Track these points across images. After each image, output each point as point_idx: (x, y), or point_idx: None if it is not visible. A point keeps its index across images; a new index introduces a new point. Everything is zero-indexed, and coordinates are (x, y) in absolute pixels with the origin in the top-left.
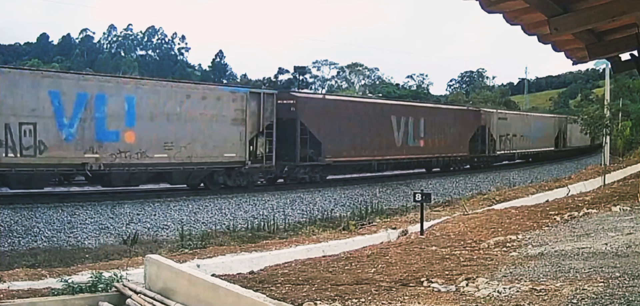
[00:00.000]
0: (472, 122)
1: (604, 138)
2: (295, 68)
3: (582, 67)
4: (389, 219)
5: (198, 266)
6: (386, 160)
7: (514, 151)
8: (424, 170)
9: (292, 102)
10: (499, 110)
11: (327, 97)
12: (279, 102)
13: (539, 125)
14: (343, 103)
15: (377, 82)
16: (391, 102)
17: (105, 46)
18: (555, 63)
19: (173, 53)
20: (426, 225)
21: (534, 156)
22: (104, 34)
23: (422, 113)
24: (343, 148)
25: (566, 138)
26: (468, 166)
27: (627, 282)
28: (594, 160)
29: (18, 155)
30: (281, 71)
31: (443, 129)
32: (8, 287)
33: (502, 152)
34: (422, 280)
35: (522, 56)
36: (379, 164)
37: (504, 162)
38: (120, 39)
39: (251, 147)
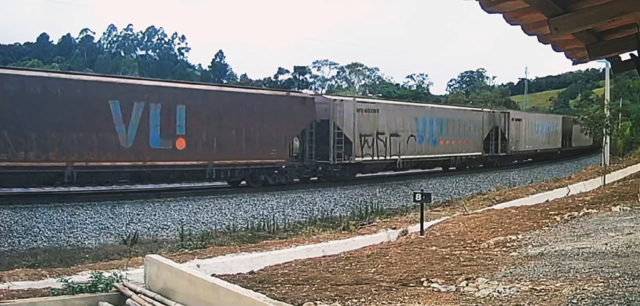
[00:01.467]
0: (299, 115)
1: (604, 138)
2: (295, 68)
3: (582, 67)
4: (389, 219)
5: (198, 266)
6: (99, 168)
7: (395, 157)
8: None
9: None
10: (357, 99)
11: None
12: None
13: (445, 121)
14: None
15: (377, 82)
16: (110, 80)
17: (105, 46)
18: (555, 63)
19: (173, 53)
20: (426, 225)
21: (446, 163)
22: (104, 34)
23: (181, 98)
24: None
25: (508, 140)
26: (297, 179)
27: (627, 282)
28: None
29: None
30: (281, 71)
31: (232, 124)
32: (8, 287)
33: (367, 158)
34: (422, 280)
35: (522, 56)
36: (80, 174)
37: (381, 174)
38: (120, 39)
39: None
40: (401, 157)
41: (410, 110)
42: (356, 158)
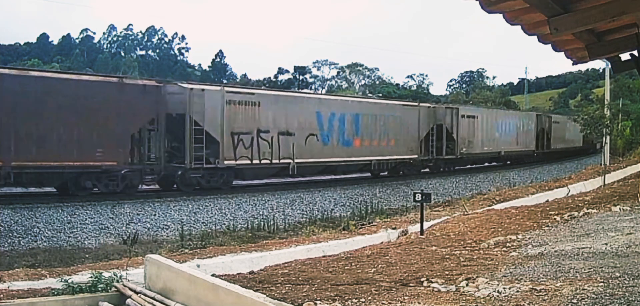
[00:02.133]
0: (137, 108)
1: (604, 138)
2: (295, 68)
3: (582, 67)
4: (389, 219)
5: (198, 266)
6: None
7: (287, 161)
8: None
9: None
10: (228, 87)
11: None
12: None
13: (363, 117)
14: None
15: (377, 82)
16: None
17: (105, 46)
18: (555, 63)
19: (173, 53)
20: (426, 225)
21: (368, 168)
22: (104, 34)
23: None
24: None
25: (457, 141)
26: (151, 186)
27: (627, 282)
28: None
29: None
30: (281, 71)
31: (38, 117)
32: (8, 287)
33: (243, 161)
34: (422, 280)
35: (522, 56)
36: None
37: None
38: (120, 38)
39: None
40: (296, 160)
41: (308, 103)
42: (226, 162)
